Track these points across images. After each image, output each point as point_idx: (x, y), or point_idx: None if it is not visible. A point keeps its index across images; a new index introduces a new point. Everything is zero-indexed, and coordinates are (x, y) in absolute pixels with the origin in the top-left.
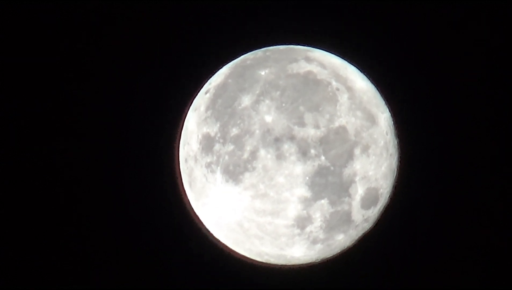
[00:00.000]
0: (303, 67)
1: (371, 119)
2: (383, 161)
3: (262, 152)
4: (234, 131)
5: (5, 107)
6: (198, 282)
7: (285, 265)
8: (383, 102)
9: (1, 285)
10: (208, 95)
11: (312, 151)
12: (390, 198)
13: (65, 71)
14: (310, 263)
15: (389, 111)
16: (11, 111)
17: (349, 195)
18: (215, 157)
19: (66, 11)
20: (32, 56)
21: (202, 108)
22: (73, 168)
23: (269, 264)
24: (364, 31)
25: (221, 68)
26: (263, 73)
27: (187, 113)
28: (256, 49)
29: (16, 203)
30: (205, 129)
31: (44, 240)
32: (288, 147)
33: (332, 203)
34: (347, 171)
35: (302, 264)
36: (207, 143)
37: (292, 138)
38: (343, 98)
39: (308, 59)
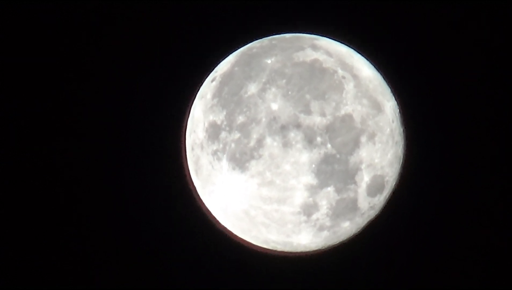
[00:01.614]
0: (309, 55)
1: (377, 107)
2: (389, 149)
3: (268, 140)
4: (241, 119)
5: (5, 107)
6: (204, 269)
7: (292, 252)
8: (389, 90)
9: (1, 285)
10: (214, 83)
11: (318, 139)
12: (396, 186)
13: (66, 67)
14: (316, 250)
15: (395, 99)
16: (11, 111)
17: (355, 183)
18: (221, 145)
19: (66, 11)
20: (32, 56)
21: (209, 96)
22: (77, 159)
23: (276, 251)
24: (370, 19)
25: (228, 56)
26: (269, 61)
27: (193, 101)
28: (262, 37)
29: (17, 203)
30: (211, 117)
31: (44, 240)
32: (294, 135)
33: (338, 190)
34: (353, 159)
35: (308, 251)
36: (214, 131)
37: (298, 126)
38: (349, 86)
39: (314, 47)
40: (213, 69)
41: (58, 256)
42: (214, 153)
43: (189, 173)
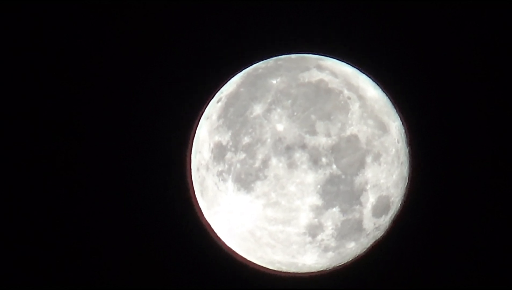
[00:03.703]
0: (315, 75)
1: (383, 128)
2: (394, 169)
3: (273, 161)
4: (246, 139)
5: (9, 107)
6: None
7: (297, 273)
8: (394, 111)
9: (1, 285)
10: (220, 104)
11: (324, 159)
12: (401, 206)
13: (70, 77)
14: (321, 271)
15: (400, 119)
16: (21, 111)
17: (361, 203)
18: (226, 166)
19: (72, 14)
20: (46, 58)
21: (214, 117)
22: (84, 177)
23: (281, 272)
24: (376, 40)
25: (233, 77)
26: (274, 82)
27: (199, 122)
28: (268, 58)
29: (19, 203)
30: (217, 138)
31: (46, 242)
32: (300, 156)
33: (343, 211)
34: (358, 180)
35: (313, 272)
36: (219, 152)
37: (303, 146)
38: (355, 106)
39: (320, 68)
40: (219, 89)
41: (61, 265)
42: (220, 174)
43: (194, 194)
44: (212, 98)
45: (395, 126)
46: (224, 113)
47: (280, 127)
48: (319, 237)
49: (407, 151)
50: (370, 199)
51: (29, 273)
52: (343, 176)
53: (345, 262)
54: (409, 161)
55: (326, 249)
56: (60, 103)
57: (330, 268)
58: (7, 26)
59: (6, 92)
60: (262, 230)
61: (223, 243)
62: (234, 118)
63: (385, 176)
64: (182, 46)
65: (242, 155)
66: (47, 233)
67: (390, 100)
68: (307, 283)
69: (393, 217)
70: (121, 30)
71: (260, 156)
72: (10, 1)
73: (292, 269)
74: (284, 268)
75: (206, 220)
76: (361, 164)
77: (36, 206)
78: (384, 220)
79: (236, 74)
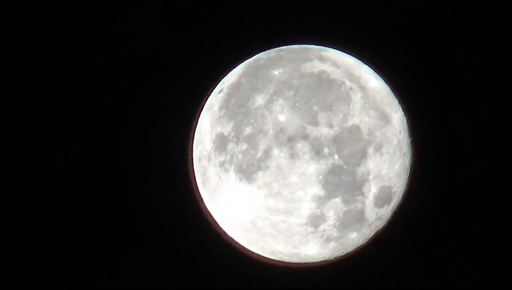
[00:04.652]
0: (317, 66)
1: (385, 118)
2: (396, 160)
3: (275, 151)
4: (248, 130)
5: (9, 107)
6: (212, 281)
7: (299, 264)
8: (397, 101)
9: (1, 285)
10: (221, 94)
11: (326, 150)
12: (403, 197)
13: (73, 72)
14: (323, 261)
15: (403, 110)
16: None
17: (363, 194)
18: (228, 156)
19: (71, 11)
20: (49, 58)
21: (216, 108)
22: (85, 170)
23: (283, 262)
24: (377, 31)
25: (235, 67)
26: (276, 72)
27: (200, 113)
28: (269, 49)
29: (24, 203)
30: (218, 129)
31: (49, 243)
32: (302, 146)
33: (345, 201)
34: (360, 170)
35: (315, 263)
36: (221, 142)
37: (305, 137)
38: (357, 97)
39: (322, 59)
40: (220, 80)
41: (65, 260)
42: (222, 164)
43: (196, 184)
44: (214, 88)
45: (397, 116)
46: (226, 104)
47: (282, 118)
48: (321, 228)
49: (409, 141)
50: (372, 190)
51: (29, 273)
52: (345, 167)
53: (347, 252)
54: (411, 152)
55: (328, 240)
56: (60, 101)
57: (332, 258)
58: (7, 26)
59: (6, 92)
60: (264, 220)
61: (225, 233)
62: (235, 108)
63: (387, 167)
64: (184, 36)
65: (244, 146)
66: (47, 233)
67: (392, 90)
68: (309, 274)
69: (395, 207)
70: (123, 22)
71: (262, 147)
72: (10, 1)
73: (294, 260)
74: (286, 259)
75: (208, 211)
76: (363, 155)
77: (36, 206)
78: (386, 210)
79: (238, 64)
